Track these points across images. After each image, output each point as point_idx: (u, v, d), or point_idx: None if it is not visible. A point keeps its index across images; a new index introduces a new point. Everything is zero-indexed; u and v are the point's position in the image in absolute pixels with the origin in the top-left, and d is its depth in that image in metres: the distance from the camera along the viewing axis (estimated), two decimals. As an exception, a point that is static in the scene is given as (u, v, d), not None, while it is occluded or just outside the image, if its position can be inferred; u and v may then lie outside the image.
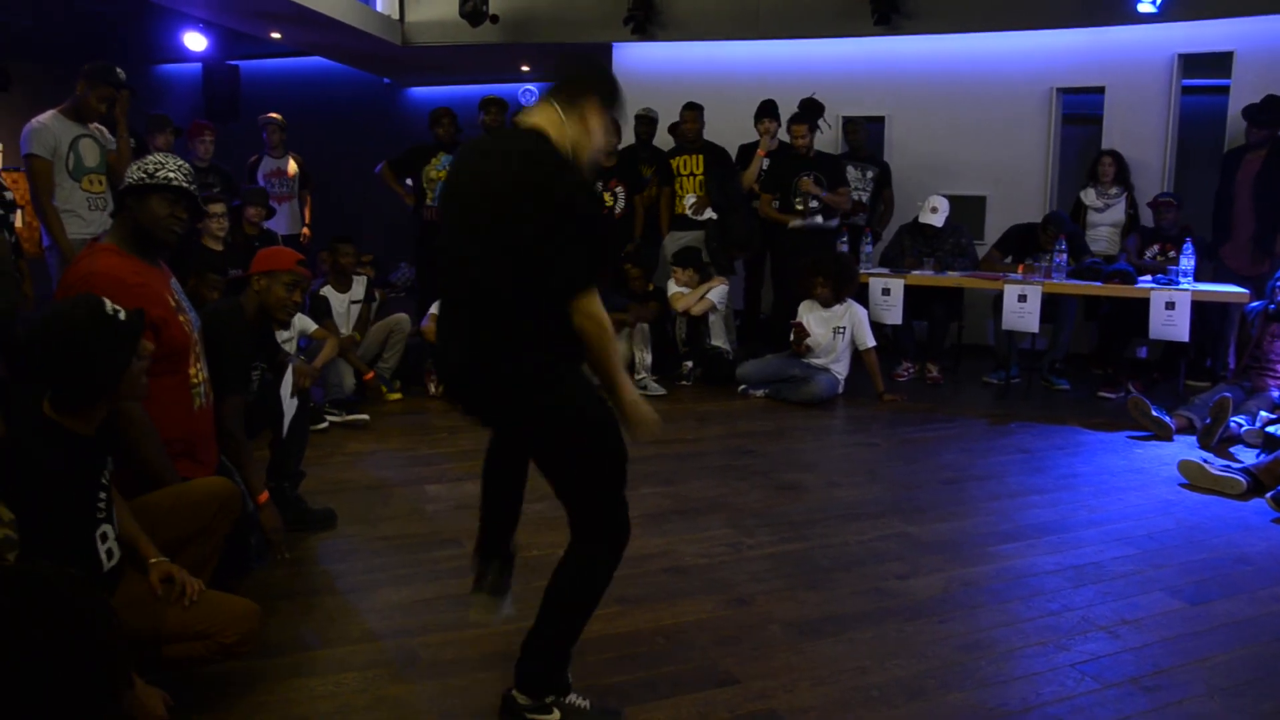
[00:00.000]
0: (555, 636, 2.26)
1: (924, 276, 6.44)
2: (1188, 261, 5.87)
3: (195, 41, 9.54)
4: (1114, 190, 6.83)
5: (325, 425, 5.18)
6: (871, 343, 6.03)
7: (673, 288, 6.54)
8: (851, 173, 7.06)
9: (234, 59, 10.62)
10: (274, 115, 7.25)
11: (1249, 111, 6.29)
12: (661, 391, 6.17)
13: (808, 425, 5.52)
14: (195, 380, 2.84)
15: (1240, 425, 5.03)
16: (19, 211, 4.79)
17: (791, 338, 6.02)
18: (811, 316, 6.05)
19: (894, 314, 6.36)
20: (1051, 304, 6.17)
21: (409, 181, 7.18)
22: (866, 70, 7.95)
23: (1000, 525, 3.83)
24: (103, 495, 2.28)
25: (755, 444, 5.02)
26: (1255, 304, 5.55)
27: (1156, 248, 6.49)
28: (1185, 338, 5.71)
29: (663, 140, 7.50)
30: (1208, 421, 5.06)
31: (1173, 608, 3.08)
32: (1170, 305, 5.65)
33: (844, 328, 6.00)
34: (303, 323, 5.33)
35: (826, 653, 2.75)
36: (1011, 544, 3.63)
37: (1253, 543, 3.67)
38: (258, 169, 7.18)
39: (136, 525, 2.42)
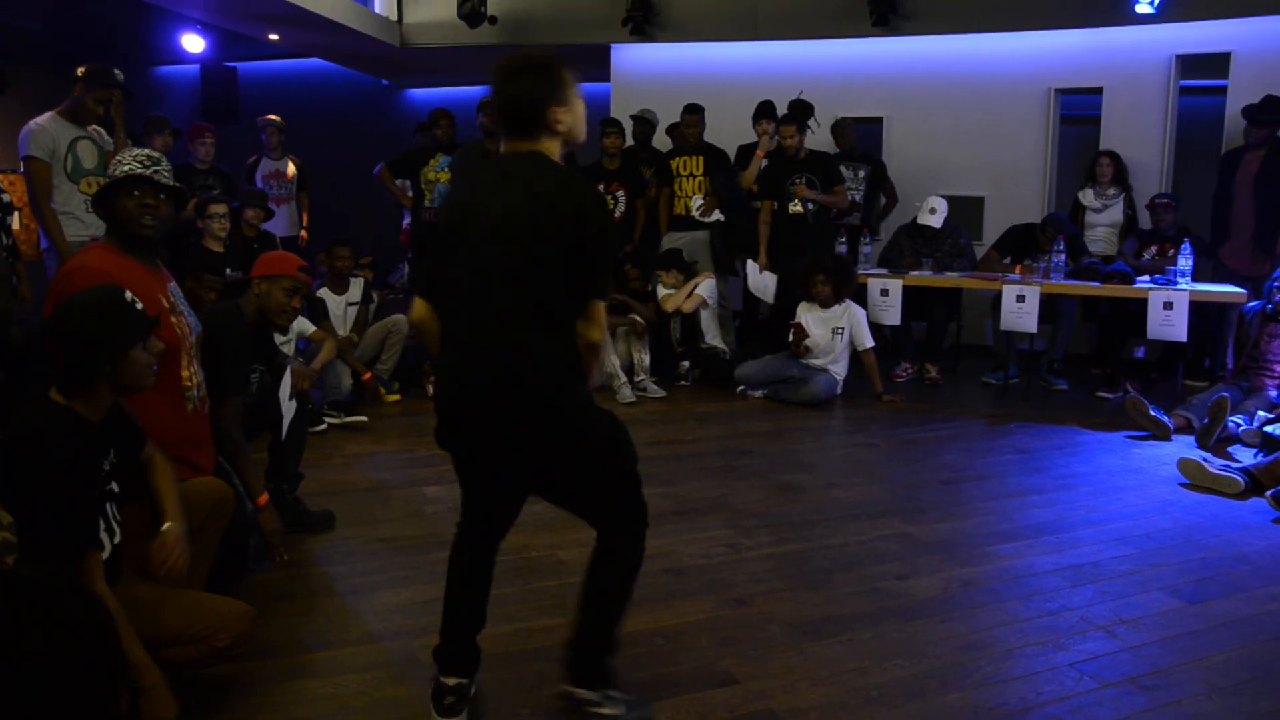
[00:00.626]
0: (606, 630, 2.30)
1: (922, 277, 6.44)
2: (1186, 262, 5.87)
3: (193, 43, 9.54)
4: (1112, 191, 6.84)
5: (324, 427, 5.18)
6: (870, 343, 6.03)
7: (661, 291, 6.55)
8: (844, 173, 7.06)
9: (232, 61, 10.61)
10: (273, 117, 7.25)
11: (1249, 111, 6.29)
12: (661, 393, 6.17)
13: (806, 426, 5.52)
14: (187, 383, 2.83)
15: (1238, 425, 5.03)
16: (16, 214, 4.79)
17: (790, 338, 6.02)
18: (810, 317, 6.05)
19: (892, 315, 6.36)
20: (1050, 305, 6.18)
21: (407, 182, 7.19)
22: (864, 71, 7.96)
23: (999, 525, 3.84)
24: (105, 482, 2.30)
25: (754, 445, 5.02)
26: (1253, 304, 5.55)
27: (1155, 248, 6.49)
28: (1183, 338, 5.72)
29: (661, 142, 7.51)
30: (1206, 421, 5.06)
31: (1171, 607, 3.08)
32: (1168, 305, 5.66)
33: (842, 328, 6.00)
34: (301, 325, 5.33)
35: (826, 653, 2.75)
36: (1010, 544, 3.63)
37: (1251, 542, 3.67)
38: (256, 170, 7.18)
39: (170, 483, 2.50)
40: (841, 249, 6.58)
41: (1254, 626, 2.95)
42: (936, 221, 6.59)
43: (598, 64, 8.79)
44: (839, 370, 6.06)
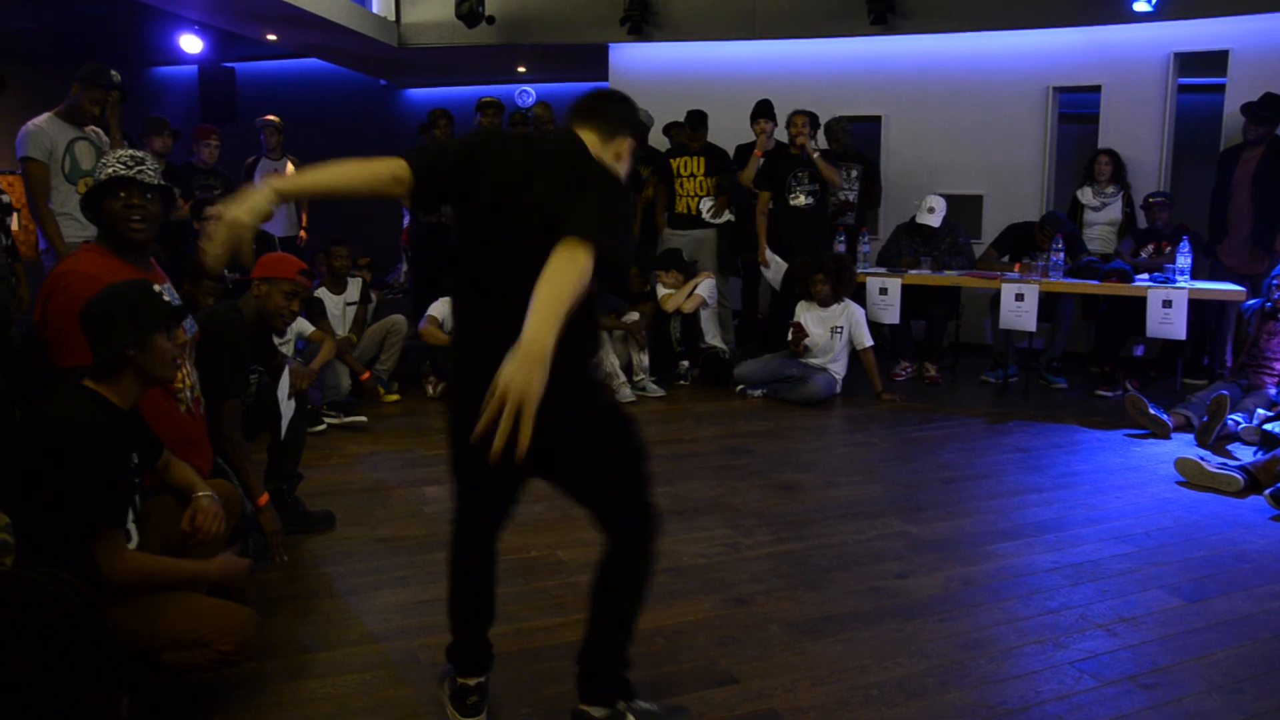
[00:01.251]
0: (618, 641, 2.22)
1: (921, 276, 6.44)
2: (1184, 260, 5.88)
3: (191, 44, 9.54)
4: (1110, 189, 6.84)
5: (323, 427, 5.18)
6: (869, 342, 6.03)
7: (660, 290, 6.55)
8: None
9: (230, 61, 10.61)
10: (272, 118, 7.25)
11: (1248, 109, 6.29)
12: (660, 392, 6.17)
13: (806, 425, 5.52)
14: (179, 385, 2.83)
15: (1237, 423, 5.03)
16: (15, 214, 4.79)
17: (790, 337, 6.02)
18: (809, 316, 6.05)
19: (891, 313, 6.36)
20: (1048, 303, 6.18)
21: None
22: (862, 70, 7.96)
23: (998, 524, 3.84)
24: (131, 472, 2.34)
25: (753, 444, 5.02)
26: (1252, 302, 5.56)
27: (1151, 247, 6.49)
28: (1182, 336, 5.72)
29: (659, 141, 7.51)
30: (1205, 419, 5.06)
31: (1171, 605, 3.08)
32: (1167, 304, 5.66)
33: (841, 327, 6.00)
34: (300, 325, 5.33)
35: (826, 652, 2.75)
36: (1010, 542, 3.63)
37: (1250, 540, 3.67)
38: (255, 171, 7.18)
39: (190, 471, 2.59)
40: (840, 248, 6.58)
41: (1254, 624, 2.95)
42: (935, 221, 6.59)
43: (595, 64, 8.79)
44: (838, 369, 6.06)
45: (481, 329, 2.13)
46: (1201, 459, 4.38)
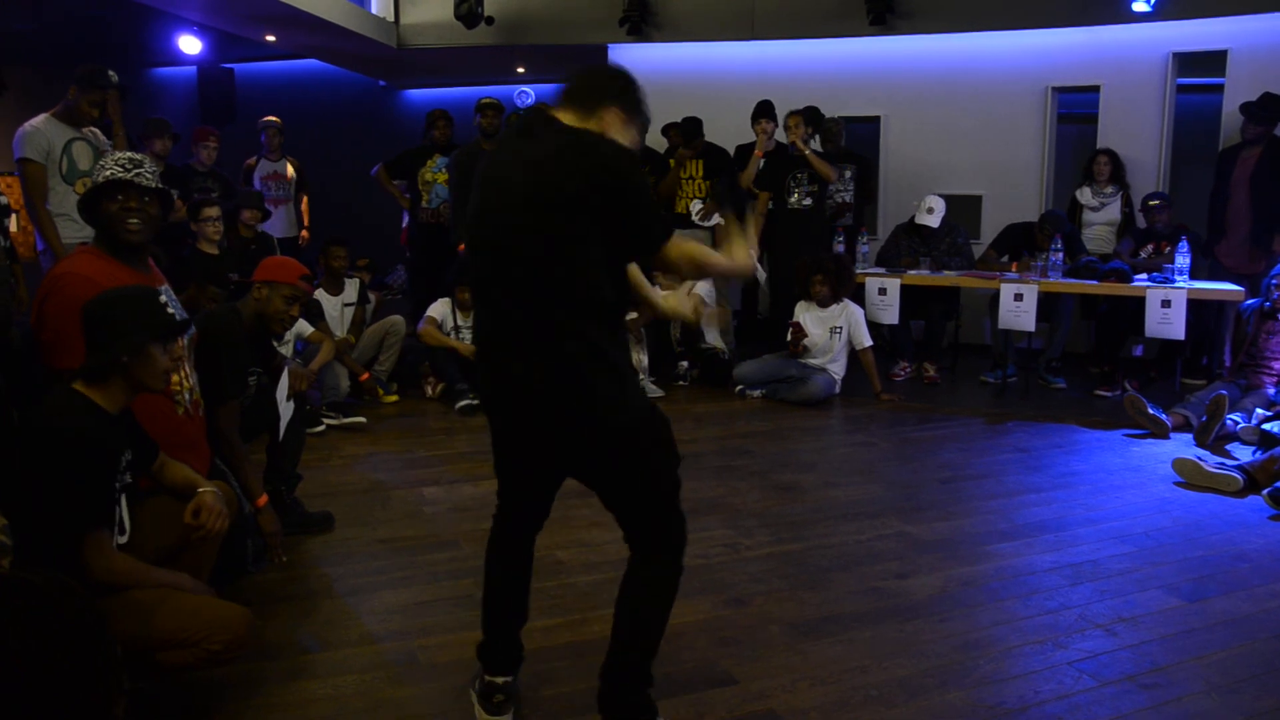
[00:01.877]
0: (641, 656, 2.19)
1: (920, 276, 6.44)
2: (1183, 260, 5.88)
3: (190, 45, 9.54)
4: (1109, 189, 6.85)
5: (322, 428, 5.18)
6: (868, 342, 6.03)
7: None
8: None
9: (229, 62, 10.60)
10: (273, 119, 7.26)
11: (1247, 108, 6.30)
12: (659, 393, 6.17)
13: (805, 425, 5.52)
14: (177, 387, 2.82)
15: (1236, 423, 5.03)
16: (14, 216, 4.78)
17: (789, 338, 6.02)
18: (808, 316, 6.05)
19: (890, 314, 6.36)
20: (1047, 303, 6.18)
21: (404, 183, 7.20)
22: (862, 70, 7.96)
23: (998, 524, 3.84)
24: (123, 473, 2.34)
25: (753, 444, 5.02)
26: (1250, 302, 5.56)
27: (1151, 247, 6.49)
28: (1181, 336, 5.72)
29: (657, 141, 7.50)
30: (1204, 419, 5.06)
31: (1170, 605, 3.08)
32: (1166, 303, 5.66)
33: (841, 327, 6.00)
34: (299, 326, 5.32)
35: (825, 653, 2.75)
36: (1009, 543, 3.63)
37: (1249, 540, 3.68)
38: (254, 172, 7.19)
39: (187, 470, 2.61)
40: (839, 248, 6.58)
41: (1253, 624, 2.95)
42: (934, 221, 6.59)
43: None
44: (837, 369, 6.06)
45: (502, 336, 2.10)
46: (1200, 459, 4.38)
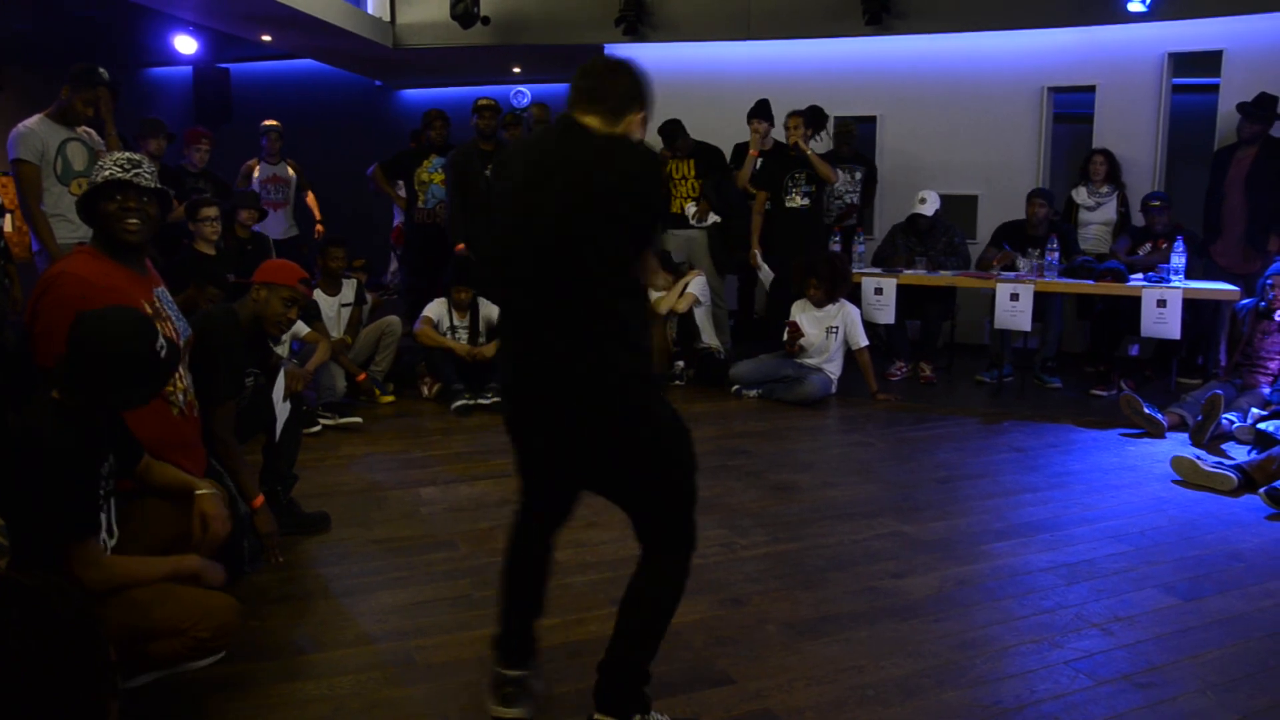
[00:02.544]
0: (643, 654, 2.21)
1: (917, 276, 6.45)
2: (1179, 259, 5.89)
3: (185, 45, 9.52)
4: (1105, 189, 6.86)
5: (318, 429, 5.17)
6: (864, 342, 6.03)
7: (652, 294, 6.54)
8: (839, 175, 7.06)
9: (224, 62, 10.59)
10: (273, 123, 7.28)
11: (1244, 107, 6.31)
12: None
13: (801, 425, 5.52)
14: (172, 388, 2.82)
15: (1232, 422, 5.04)
16: (8, 216, 4.78)
17: (785, 337, 6.02)
18: (804, 316, 6.06)
19: (887, 313, 6.37)
20: (1039, 303, 6.19)
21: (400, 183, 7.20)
22: (858, 70, 7.96)
23: (994, 523, 3.84)
24: (104, 479, 2.32)
25: (749, 444, 5.02)
26: (1246, 301, 5.57)
27: (1148, 246, 6.50)
28: (1177, 335, 5.73)
29: (652, 141, 7.50)
30: (1199, 419, 5.07)
31: (1166, 604, 3.09)
32: (1162, 303, 5.67)
33: (837, 327, 6.01)
34: (295, 326, 5.31)
35: (822, 652, 2.75)
36: (1005, 542, 3.63)
37: (1245, 539, 3.68)
38: (252, 174, 7.21)
39: (175, 470, 2.59)
40: (836, 248, 6.58)
41: (1249, 623, 2.96)
42: (928, 210, 6.61)
43: (591, 64, 8.77)
44: (834, 369, 6.06)
45: (541, 336, 2.10)
46: (1196, 458, 4.39)
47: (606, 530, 3.53)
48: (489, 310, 5.93)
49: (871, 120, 8.07)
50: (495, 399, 5.64)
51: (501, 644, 2.35)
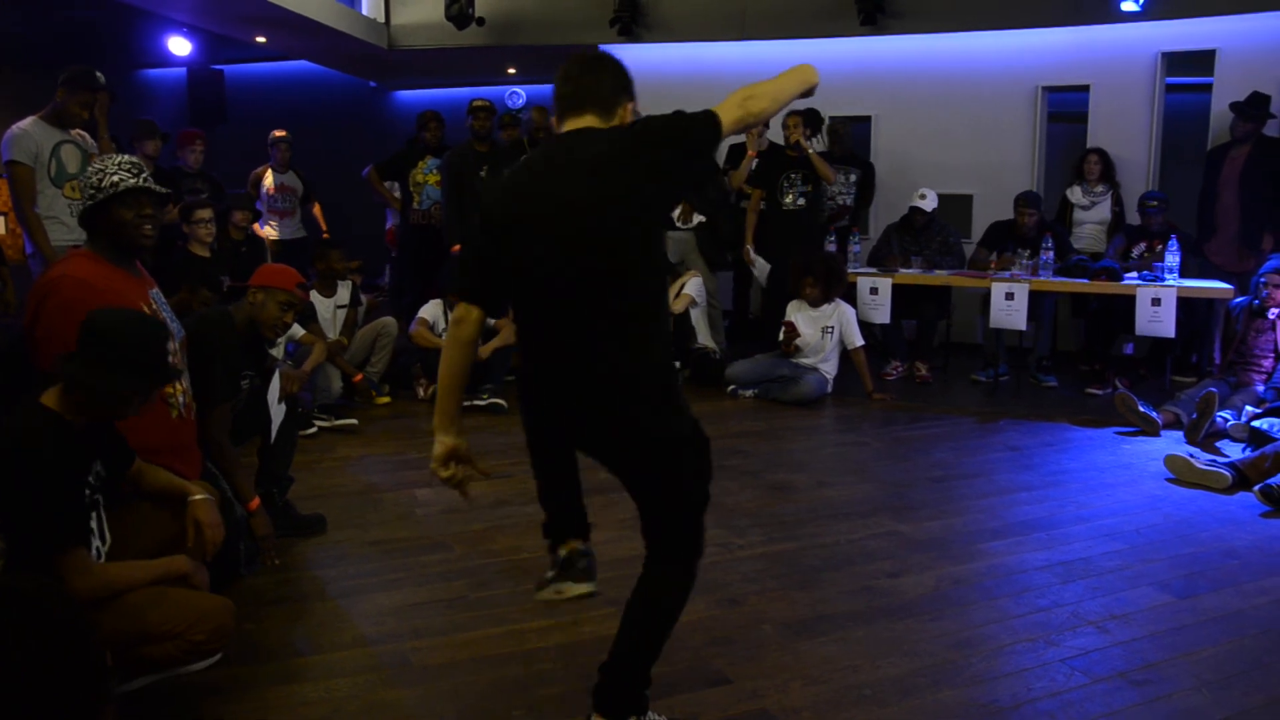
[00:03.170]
0: (646, 657, 2.21)
1: (912, 276, 6.45)
2: (1173, 258, 5.90)
3: (180, 46, 9.51)
4: (1100, 188, 6.87)
5: (314, 430, 5.16)
6: (860, 342, 6.04)
7: None
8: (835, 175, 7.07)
9: (219, 64, 10.57)
10: (282, 134, 7.32)
11: (1237, 106, 6.33)
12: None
13: (797, 425, 5.52)
14: (171, 390, 2.82)
15: (1226, 420, 5.05)
16: (2, 218, 4.76)
17: (781, 337, 6.02)
18: (800, 316, 6.06)
19: (882, 313, 6.37)
20: (1031, 302, 6.19)
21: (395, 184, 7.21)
22: (852, 70, 7.96)
23: (989, 522, 3.84)
24: (91, 487, 2.31)
25: (745, 444, 5.02)
26: (1240, 300, 5.58)
27: (1143, 245, 6.52)
28: (1171, 334, 5.74)
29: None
30: (1194, 417, 5.08)
31: (1161, 602, 3.09)
32: (1156, 302, 5.68)
33: (832, 327, 6.01)
34: (291, 329, 5.31)
35: (818, 652, 2.75)
36: (1001, 541, 3.64)
37: (1240, 536, 3.69)
38: (262, 182, 7.28)
39: (167, 474, 2.58)
40: (831, 248, 6.59)
41: (1243, 620, 2.96)
42: (927, 205, 6.62)
43: (586, 65, 8.76)
44: (829, 369, 6.07)
45: (577, 344, 2.06)
46: (1191, 456, 4.40)
47: (605, 530, 3.50)
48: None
49: (866, 120, 8.07)
50: (491, 400, 5.64)
51: (558, 526, 2.29)
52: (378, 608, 3.04)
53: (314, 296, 5.79)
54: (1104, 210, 6.88)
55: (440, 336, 5.83)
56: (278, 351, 5.07)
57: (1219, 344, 5.76)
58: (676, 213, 6.89)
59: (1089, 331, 6.80)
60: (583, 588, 2.25)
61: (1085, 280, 5.99)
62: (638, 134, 2.06)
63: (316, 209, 7.74)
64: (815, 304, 6.03)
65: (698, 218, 6.87)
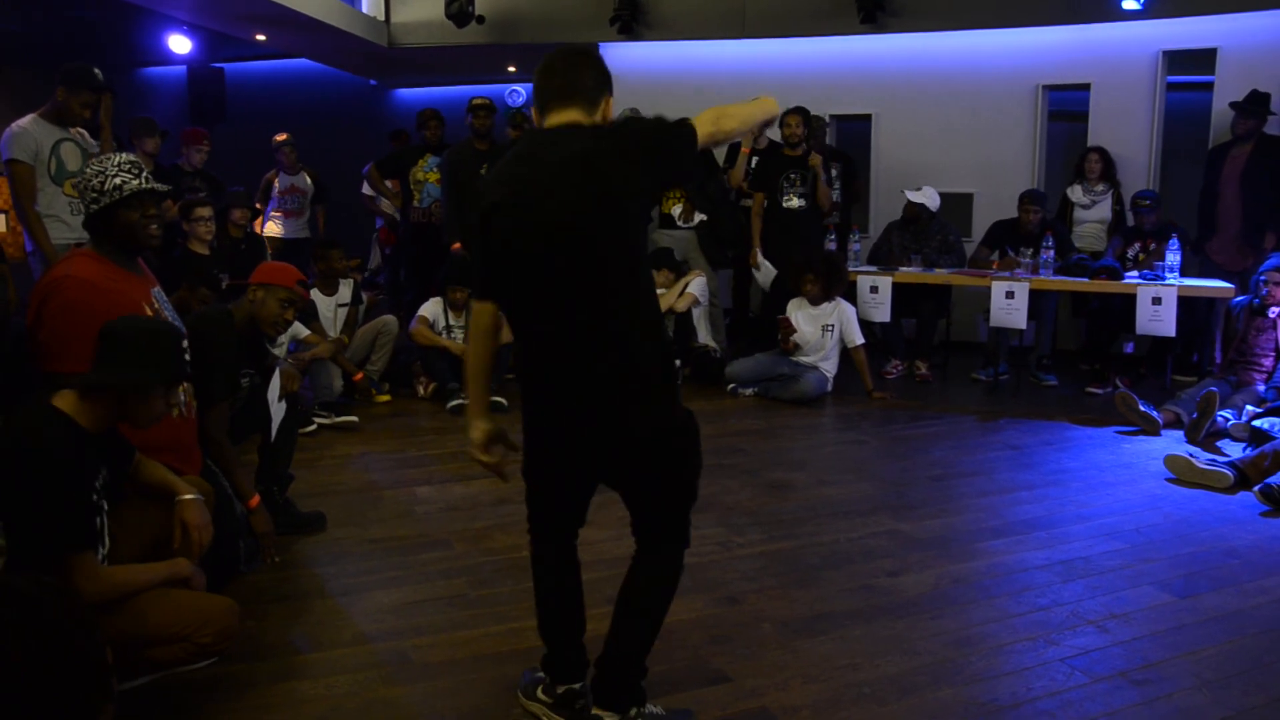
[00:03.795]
0: (640, 648, 2.24)
1: (912, 274, 6.45)
2: (1174, 257, 5.90)
3: (180, 44, 9.51)
4: (1100, 187, 6.86)
5: (314, 428, 5.17)
6: (860, 340, 6.04)
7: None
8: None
9: (219, 62, 10.57)
10: (286, 137, 7.34)
11: (1237, 105, 6.32)
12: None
13: (797, 423, 5.52)
14: None
15: (1226, 419, 5.05)
16: (2, 216, 4.76)
17: (779, 335, 6.02)
18: (800, 314, 6.06)
19: (882, 311, 6.37)
20: (1032, 301, 6.19)
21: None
22: (853, 69, 7.96)
23: (989, 521, 3.84)
24: (98, 491, 2.31)
25: (745, 443, 5.02)
26: (1241, 299, 5.58)
27: (1138, 245, 6.51)
28: (1172, 333, 5.74)
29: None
30: (1194, 416, 5.08)
31: (1161, 601, 3.09)
32: (1157, 301, 5.68)
33: (832, 325, 6.01)
34: (294, 328, 5.31)
35: (818, 650, 2.75)
36: (1001, 540, 3.64)
37: (1240, 536, 3.69)
38: (272, 186, 7.31)
39: (162, 470, 2.59)
40: (831, 246, 6.59)
41: (1244, 620, 2.96)
42: (922, 200, 6.62)
43: (586, 63, 8.76)
44: (829, 367, 6.07)
45: (573, 344, 2.08)
46: (1191, 455, 4.40)
47: (602, 529, 3.52)
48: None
49: (866, 119, 8.07)
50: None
51: (556, 663, 2.34)
52: (378, 605, 3.04)
53: (315, 295, 5.80)
54: (1104, 209, 6.87)
55: (440, 335, 5.83)
56: (280, 350, 5.08)
57: (1220, 343, 5.76)
58: (678, 211, 6.89)
59: (1089, 330, 6.79)
60: None
61: (1086, 279, 5.98)
62: (621, 135, 2.09)
63: (319, 213, 7.76)
64: (815, 302, 6.03)
65: (699, 216, 6.87)
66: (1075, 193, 6.94)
